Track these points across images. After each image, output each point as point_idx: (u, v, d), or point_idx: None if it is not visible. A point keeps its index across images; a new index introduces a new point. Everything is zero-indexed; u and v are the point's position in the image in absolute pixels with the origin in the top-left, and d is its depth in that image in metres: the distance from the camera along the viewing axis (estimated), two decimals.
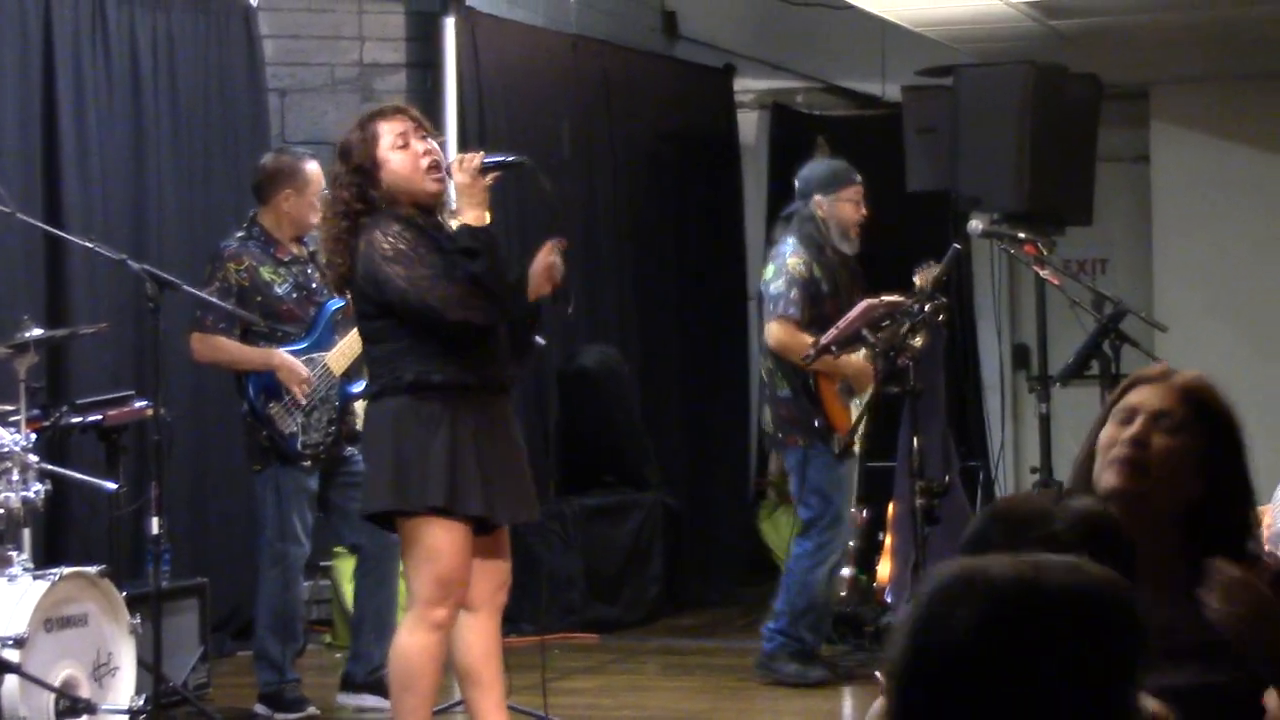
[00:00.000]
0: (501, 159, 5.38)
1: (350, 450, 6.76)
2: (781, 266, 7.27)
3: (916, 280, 6.85)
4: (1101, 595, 1.77)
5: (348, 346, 6.71)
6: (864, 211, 7.37)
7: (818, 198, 7.32)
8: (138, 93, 7.93)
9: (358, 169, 5.28)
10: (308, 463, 6.74)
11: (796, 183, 7.51)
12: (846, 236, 7.33)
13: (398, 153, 5.29)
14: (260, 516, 6.87)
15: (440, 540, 5.18)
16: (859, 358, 7.05)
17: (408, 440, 5.18)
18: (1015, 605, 1.74)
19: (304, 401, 6.68)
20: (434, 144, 5.38)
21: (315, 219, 6.86)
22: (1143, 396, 2.98)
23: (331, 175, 5.42)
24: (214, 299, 6.59)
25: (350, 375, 6.81)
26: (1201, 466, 2.93)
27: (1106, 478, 2.94)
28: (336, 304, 6.78)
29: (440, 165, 5.31)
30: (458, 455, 5.16)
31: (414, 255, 5.16)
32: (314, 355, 6.79)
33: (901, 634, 1.78)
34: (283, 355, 6.72)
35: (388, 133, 5.31)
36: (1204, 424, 2.96)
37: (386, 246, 5.16)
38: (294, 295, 6.83)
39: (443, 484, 5.14)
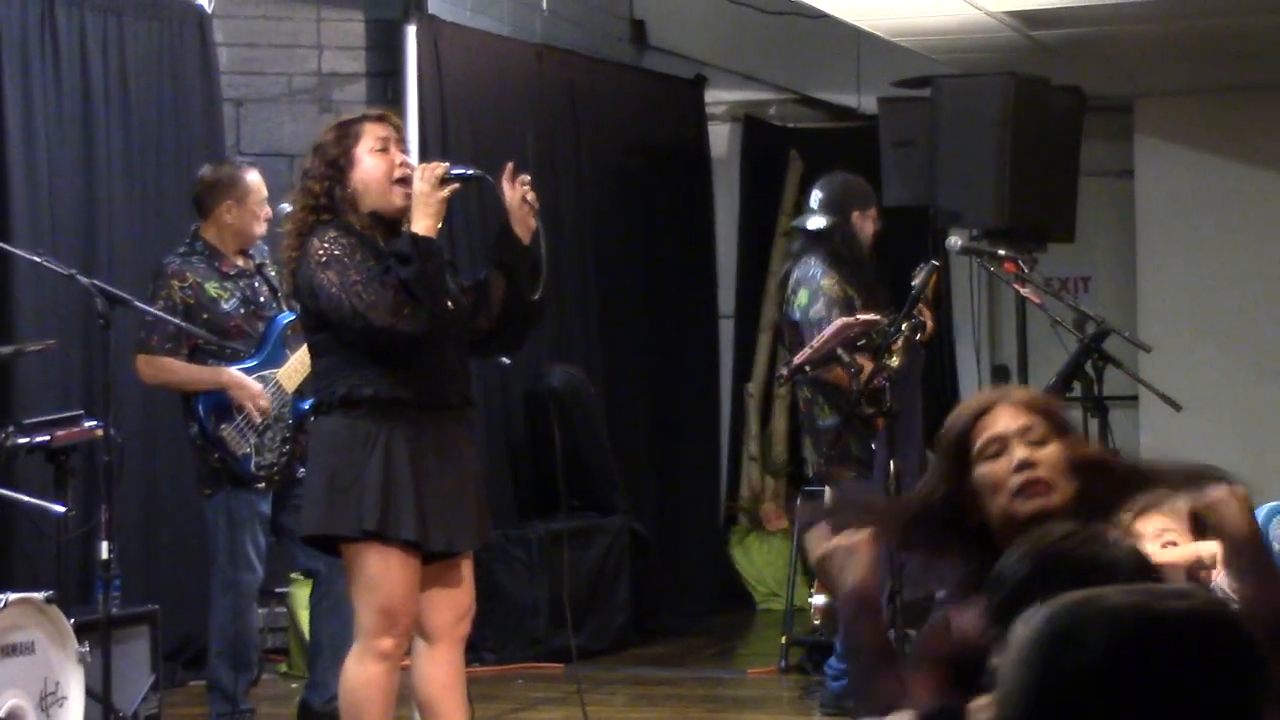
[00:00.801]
0: (462, 172, 5.38)
1: (303, 470, 6.75)
2: (816, 290, 7.23)
3: (917, 281, 6.90)
4: (1222, 621, 1.80)
5: (299, 362, 6.70)
6: (878, 226, 7.49)
7: (856, 214, 7.38)
8: (88, 101, 7.93)
9: (332, 163, 5.28)
10: (261, 484, 6.75)
11: (822, 197, 7.48)
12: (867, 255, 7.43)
13: (374, 156, 5.30)
14: (211, 543, 6.86)
15: (376, 566, 5.16)
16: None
17: (341, 459, 5.16)
18: (1141, 632, 1.77)
19: (259, 420, 6.68)
20: (409, 160, 5.40)
21: (259, 229, 6.90)
22: (998, 425, 3.11)
23: (302, 169, 5.41)
24: (162, 314, 6.60)
25: (304, 392, 6.82)
26: (1070, 465, 3.10)
27: (1021, 507, 3.06)
28: (286, 318, 6.79)
29: (409, 180, 5.30)
30: (391, 476, 5.13)
31: (347, 260, 5.14)
32: (265, 373, 6.79)
33: (1019, 666, 1.80)
34: (232, 373, 6.72)
35: (370, 135, 5.32)
36: (1054, 426, 3.14)
37: (321, 252, 5.16)
38: (241, 310, 6.83)
39: (374, 507, 5.11)
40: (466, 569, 5.41)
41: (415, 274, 5.09)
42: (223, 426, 6.69)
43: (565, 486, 8.04)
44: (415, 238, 5.14)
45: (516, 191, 5.38)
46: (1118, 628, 1.76)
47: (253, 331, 6.85)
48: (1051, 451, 3.09)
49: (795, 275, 7.37)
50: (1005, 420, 3.10)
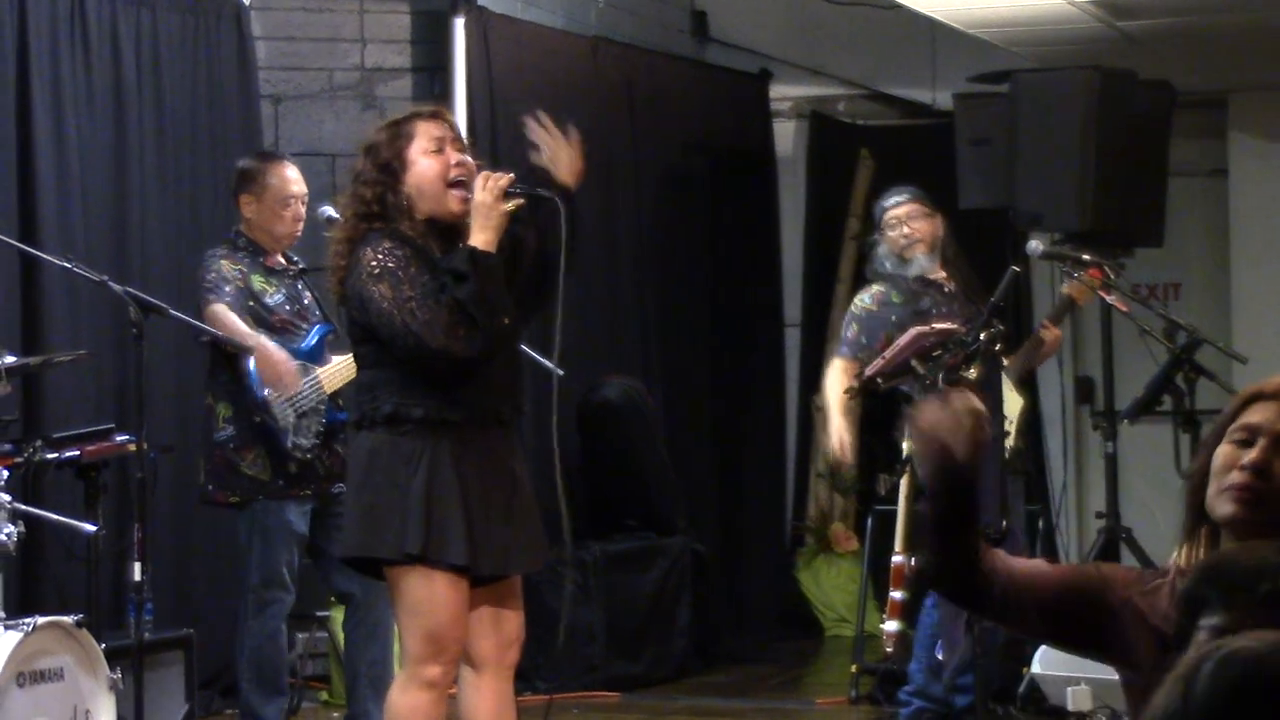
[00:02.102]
0: (529, 189, 5.30)
1: (340, 487, 6.78)
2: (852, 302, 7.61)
3: (1065, 290, 7.07)
4: None
5: (346, 366, 6.71)
6: (912, 229, 7.46)
7: (875, 236, 7.63)
8: (120, 99, 7.98)
9: (384, 166, 5.26)
10: (293, 466, 6.76)
11: None
12: (904, 260, 7.43)
13: (429, 158, 5.28)
14: (244, 561, 6.91)
15: (421, 590, 5.17)
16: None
17: (383, 478, 5.17)
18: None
19: (277, 393, 6.71)
20: (469, 160, 5.35)
21: (281, 229, 6.95)
22: (1264, 415, 3.01)
23: (354, 172, 5.38)
24: (199, 322, 6.65)
25: (340, 403, 6.86)
26: None
27: (1221, 505, 2.99)
28: (326, 329, 6.86)
29: (467, 184, 5.26)
30: (437, 496, 5.13)
31: (401, 274, 5.12)
32: (307, 364, 6.85)
33: (1177, 699, 1.80)
34: (266, 342, 6.75)
35: (424, 134, 5.29)
36: None
37: (374, 264, 5.14)
38: (287, 307, 6.88)
39: (419, 529, 5.11)
40: (515, 592, 5.41)
41: (472, 293, 5.07)
42: (268, 391, 6.73)
43: (622, 505, 8.06)
44: (474, 253, 5.11)
45: (557, 139, 5.34)
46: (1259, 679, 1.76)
47: (297, 329, 6.90)
48: None
49: None
50: (1274, 415, 3.00)
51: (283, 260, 6.98)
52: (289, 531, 6.80)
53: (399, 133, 5.31)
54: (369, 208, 5.25)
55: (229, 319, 6.78)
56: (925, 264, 7.47)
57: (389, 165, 5.26)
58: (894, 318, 7.32)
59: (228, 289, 6.81)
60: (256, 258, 6.91)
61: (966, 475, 3.20)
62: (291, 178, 7.00)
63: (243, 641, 6.90)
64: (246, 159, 7.26)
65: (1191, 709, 2.16)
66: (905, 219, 7.49)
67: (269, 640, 6.85)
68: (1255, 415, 3.01)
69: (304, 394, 6.80)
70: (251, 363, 6.74)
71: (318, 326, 6.94)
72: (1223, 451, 3.02)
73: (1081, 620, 3.12)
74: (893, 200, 7.58)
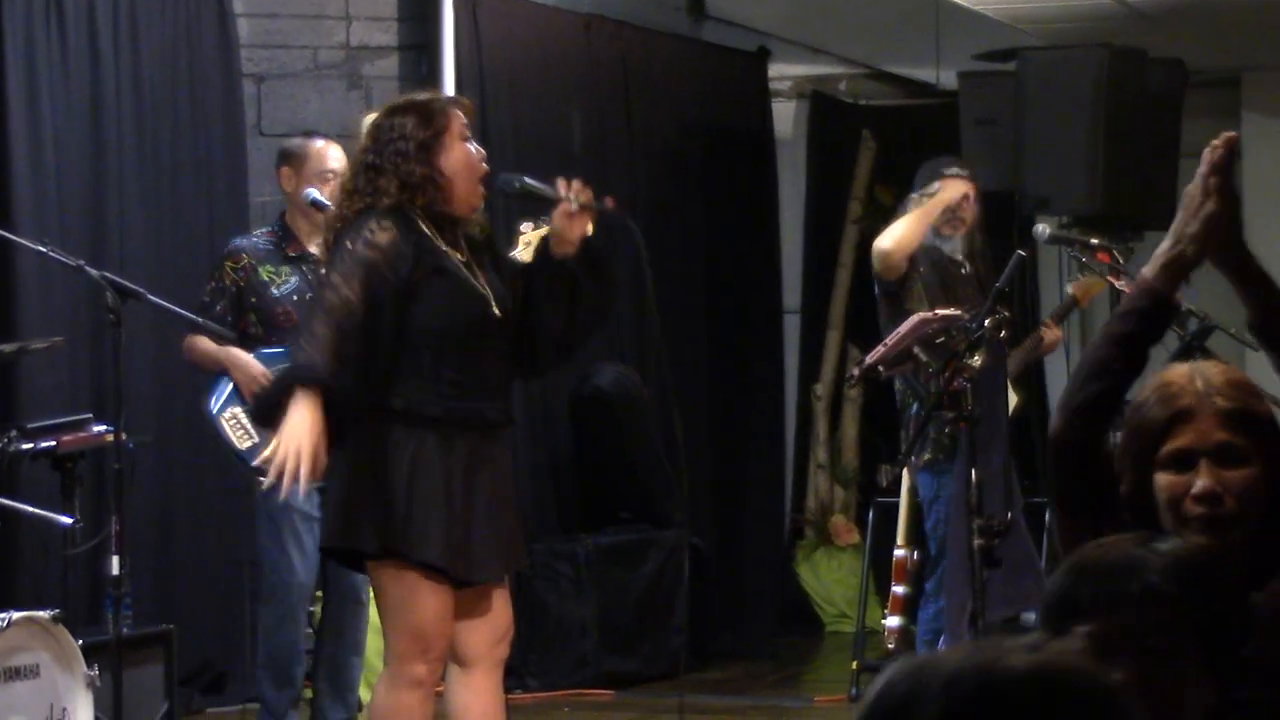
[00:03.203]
0: (601, 206, 5.39)
1: None
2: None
3: (1070, 289, 7.06)
4: (1067, 681, 1.78)
5: None
6: (964, 210, 7.44)
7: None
8: (97, 79, 7.96)
9: (427, 143, 5.22)
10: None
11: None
12: (940, 235, 7.41)
13: (464, 145, 5.29)
14: (257, 544, 6.97)
15: (402, 587, 5.17)
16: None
17: (364, 470, 5.17)
18: (979, 696, 1.76)
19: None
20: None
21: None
22: (1191, 437, 3.00)
23: (384, 124, 5.28)
24: (178, 308, 6.64)
25: None
26: (1270, 484, 3.00)
27: (1189, 537, 2.99)
28: None
29: (486, 180, 5.33)
30: (418, 493, 5.12)
31: (361, 269, 5.10)
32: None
33: None
34: (235, 353, 6.75)
35: (457, 120, 5.30)
36: (1261, 443, 3.02)
37: (357, 243, 5.14)
38: (294, 298, 6.83)
39: (399, 524, 5.11)
40: (503, 589, 5.42)
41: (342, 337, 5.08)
42: (229, 410, 6.71)
43: (615, 496, 8.07)
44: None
45: (564, 205, 5.34)
46: (954, 692, 1.75)
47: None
48: (1246, 476, 2.98)
49: None
50: (1202, 432, 2.99)
51: (312, 247, 6.91)
52: (291, 511, 6.77)
53: (443, 108, 5.30)
54: (402, 178, 5.18)
55: (195, 345, 6.81)
56: (958, 247, 7.45)
57: (427, 143, 5.22)
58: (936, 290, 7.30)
59: (217, 307, 6.81)
60: (280, 244, 6.90)
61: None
62: (333, 155, 6.99)
63: (259, 629, 6.98)
64: (294, 138, 7.30)
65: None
66: (962, 199, 7.46)
67: (278, 628, 6.87)
68: (1181, 439, 3.01)
69: None
70: (218, 381, 6.77)
71: None
72: (1163, 482, 3.02)
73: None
74: (954, 170, 7.50)
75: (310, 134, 7.36)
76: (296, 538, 6.80)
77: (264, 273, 6.86)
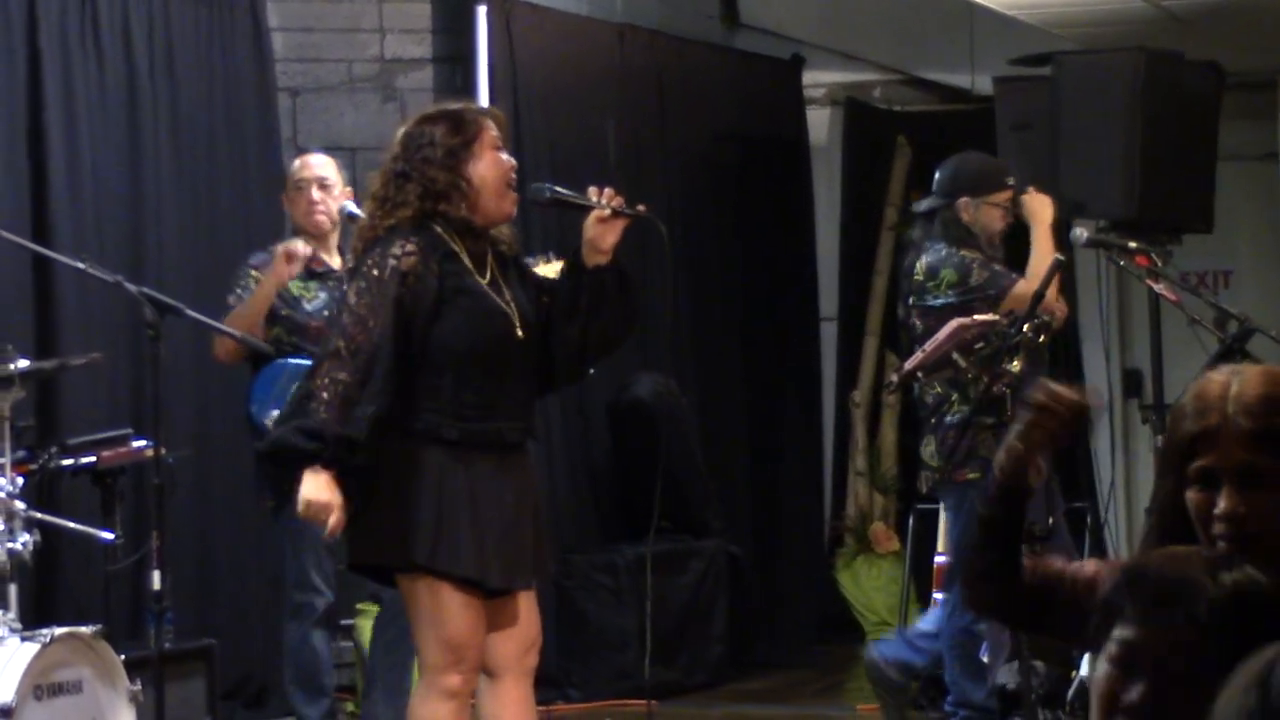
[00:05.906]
0: (634, 211, 5.41)
1: None
2: (962, 262, 7.24)
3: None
4: None
5: None
6: (1009, 219, 7.40)
7: (964, 200, 7.34)
8: (133, 94, 7.99)
9: (456, 151, 5.23)
10: None
11: (937, 175, 7.50)
12: (992, 244, 7.36)
13: (494, 154, 5.29)
14: (282, 566, 7.02)
15: (433, 600, 5.18)
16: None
17: (390, 485, 5.16)
18: None
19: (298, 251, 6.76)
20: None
21: (298, 216, 7.03)
22: (1214, 458, 2.98)
23: (415, 132, 5.28)
24: (216, 323, 6.66)
25: None
26: None
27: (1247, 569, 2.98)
28: None
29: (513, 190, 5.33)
30: (446, 506, 5.14)
31: (381, 301, 5.12)
32: None
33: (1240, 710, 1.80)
34: (266, 278, 6.84)
35: (488, 129, 5.31)
36: None
37: (390, 265, 5.15)
38: (325, 312, 6.85)
39: (426, 538, 5.12)
40: (530, 598, 5.42)
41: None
42: (273, 413, 6.73)
43: (656, 506, 8.03)
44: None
45: (597, 211, 5.35)
46: None
47: None
48: (1271, 498, 2.95)
49: (925, 261, 7.33)
50: (1224, 452, 2.96)
51: (333, 262, 6.96)
52: (318, 534, 6.79)
53: (475, 118, 5.30)
54: (429, 188, 5.19)
55: (237, 310, 6.87)
56: (999, 255, 7.41)
57: (455, 151, 5.23)
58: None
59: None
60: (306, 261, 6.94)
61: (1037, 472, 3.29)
62: (309, 163, 7.05)
63: (285, 647, 7.02)
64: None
65: (1270, 709, 2.17)
66: (1008, 207, 7.41)
67: (304, 642, 6.92)
68: (1205, 458, 2.98)
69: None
70: (254, 387, 6.79)
71: None
72: (1193, 499, 3.01)
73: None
74: (1006, 181, 7.43)
75: (302, 151, 7.45)
76: (317, 557, 6.83)
77: (294, 288, 6.89)
